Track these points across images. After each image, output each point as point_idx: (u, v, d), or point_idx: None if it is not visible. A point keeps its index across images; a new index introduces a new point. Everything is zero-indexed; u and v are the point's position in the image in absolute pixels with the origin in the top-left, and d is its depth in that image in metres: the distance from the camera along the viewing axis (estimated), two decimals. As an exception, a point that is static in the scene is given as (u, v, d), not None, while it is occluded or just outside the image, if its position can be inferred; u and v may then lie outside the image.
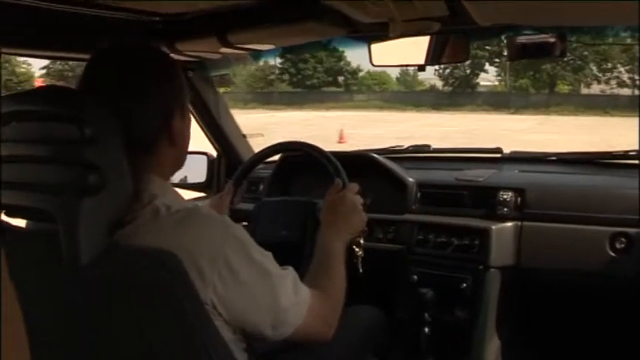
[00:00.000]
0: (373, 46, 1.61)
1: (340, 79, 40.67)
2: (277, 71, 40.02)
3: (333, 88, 40.22)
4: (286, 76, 40.23)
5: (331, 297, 1.09)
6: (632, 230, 1.61)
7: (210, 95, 2.12)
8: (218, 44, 1.58)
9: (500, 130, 18.47)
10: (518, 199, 1.73)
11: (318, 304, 1.03)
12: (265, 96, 38.45)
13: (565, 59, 34.28)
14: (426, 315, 1.69)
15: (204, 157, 2.21)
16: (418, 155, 2.22)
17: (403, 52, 1.63)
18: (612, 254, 1.62)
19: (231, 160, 2.22)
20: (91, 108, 0.81)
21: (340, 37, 1.65)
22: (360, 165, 1.83)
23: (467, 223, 1.75)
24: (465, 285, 1.69)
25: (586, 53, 32.17)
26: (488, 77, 38.96)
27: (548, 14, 1.39)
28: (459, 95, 36.69)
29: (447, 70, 37.86)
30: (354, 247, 1.62)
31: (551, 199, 1.72)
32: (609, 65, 34.76)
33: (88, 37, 1.38)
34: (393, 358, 1.64)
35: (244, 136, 2.31)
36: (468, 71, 37.78)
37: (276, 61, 37.18)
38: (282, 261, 1.00)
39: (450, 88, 37.96)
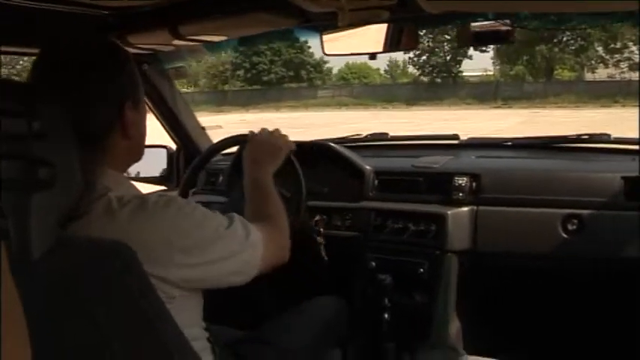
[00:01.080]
0: (325, 36, 1.69)
1: (302, 73, 37.55)
2: (231, 67, 36.81)
3: (295, 84, 36.98)
4: (241, 72, 36.79)
5: (277, 222, 1.23)
6: (583, 212, 1.71)
7: (167, 88, 2.21)
8: (169, 36, 1.67)
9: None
10: (474, 184, 1.82)
11: (268, 234, 1.14)
12: (219, 96, 35.25)
13: (565, 39, 30.27)
14: (386, 300, 1.77)
15: (164, 150, 2.30)
16: (376, 143, 2.31)
17: (357, 41, 1.71)
18: (565, 236, 1.72)
19: (190, 153, 2.30)
20: (40, 102, 0.83)
21: (293, 27, 1.74)
22: (318, 154, 1.94)
23: (423, 208, 1.84)
24: (422, 270, 1.79)
25: (589, 31, 27.30)
26: (481, 65, 37.40)
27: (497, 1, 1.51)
28: (440, 87, 33.86)
29: (423, 58, 34.88)
30: (316, 235, 1.78)
31: (505, 184, 1.81)
32: (618, 45, 30.65)
33: (39, 31, 1.46)
34: (353, 345, 1.74)
35: (203, 128, 2.40)
36: (448, 57, 34.55)
37: (229, 54, 33.79)
38: None
39: (434, 80, 35.02)
